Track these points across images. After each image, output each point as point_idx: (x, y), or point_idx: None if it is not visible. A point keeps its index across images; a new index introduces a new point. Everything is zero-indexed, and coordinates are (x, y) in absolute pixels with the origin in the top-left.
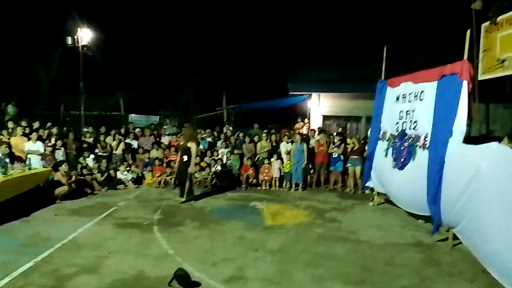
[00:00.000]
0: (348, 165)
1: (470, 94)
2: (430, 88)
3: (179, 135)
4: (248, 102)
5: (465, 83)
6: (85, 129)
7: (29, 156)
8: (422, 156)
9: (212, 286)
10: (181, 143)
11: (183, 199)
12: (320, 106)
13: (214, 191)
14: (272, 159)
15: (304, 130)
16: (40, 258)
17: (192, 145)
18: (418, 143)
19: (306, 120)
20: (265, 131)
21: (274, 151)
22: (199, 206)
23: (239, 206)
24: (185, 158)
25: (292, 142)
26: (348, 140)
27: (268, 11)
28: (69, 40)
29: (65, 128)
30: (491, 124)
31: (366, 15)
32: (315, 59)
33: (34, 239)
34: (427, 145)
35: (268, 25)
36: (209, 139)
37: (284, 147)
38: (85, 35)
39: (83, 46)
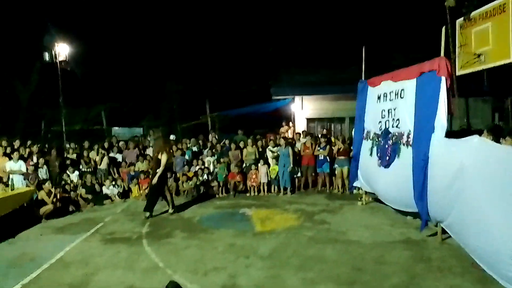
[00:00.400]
0: (335, 166)
1: (449, 90)
2: (410, 86)
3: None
4: (232, 109)
5: (443, 79)
6: (67, 145)
7: (11, 176)
8: (406, 154)
9: None
10: (154, 155)
11: (147, 213)
12: (303, 109)
13: (202, 200)
14: (259, 165)
15: (289, 134)
16: (27, 280)
17: (162, 157)
18: (401, 141)
19: (290, 124)
20: (251, 137)
21: (260, 156)
22: (187, 216)
23: (228, 213)
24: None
25: (277, 146)
26: (333, 139)
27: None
28: (46, 56)
29: (46, 145)
30: (472, 118)
31: (345, 17)
32: (296, 62)
33: (21, 260)
34: (410, 142)
35: (249, 29)
36: (194, 148)
37: (270, 152)
38: (62, 50)
39: (61, 61)
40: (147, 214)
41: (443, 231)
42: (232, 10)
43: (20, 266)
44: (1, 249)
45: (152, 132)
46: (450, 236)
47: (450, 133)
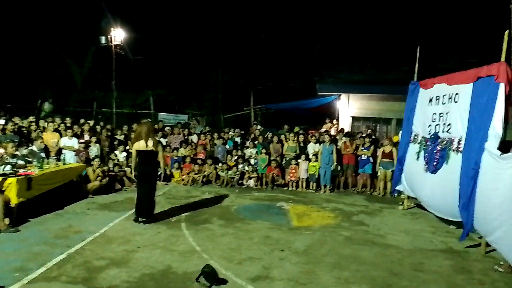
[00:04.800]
0: (380, 168)
1: (507, 98)
2: (465, 90)
3: (206, 134)
4: (275, 103)
5: (502, 85)
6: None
7: (63, 151)
8: (455, 160)
9: (239, 284)
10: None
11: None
12: (349, 107)
13: (240, 190)
14: (299, 160)
15: (332, 131)
16: (72, 250)
17: (159, 148)
18: (451, 147)
19: (334, 121)
20: (293, 131)
21: (301, 152)
22: (225, 204)
23: (265, 206)
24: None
25: (319, 143)
26: (385, 141)
27: (298, 11)
28: (102, 40)
29: (97, 126)
30: None
31: (398, 16)
32: (344, 60)
33: (67, 232)
34: (460, 149)
35: (297, 25)
36: (237, 139)
37: (311, 148)
38: (118, 35)
39: (116, 45)
40: (147, 219)
41: (487, 244)
42: (282, 5)
43: (66, 238)
44: (49, 220)
45: (198, 120)
46: (493, 250)
47: (504, 143)
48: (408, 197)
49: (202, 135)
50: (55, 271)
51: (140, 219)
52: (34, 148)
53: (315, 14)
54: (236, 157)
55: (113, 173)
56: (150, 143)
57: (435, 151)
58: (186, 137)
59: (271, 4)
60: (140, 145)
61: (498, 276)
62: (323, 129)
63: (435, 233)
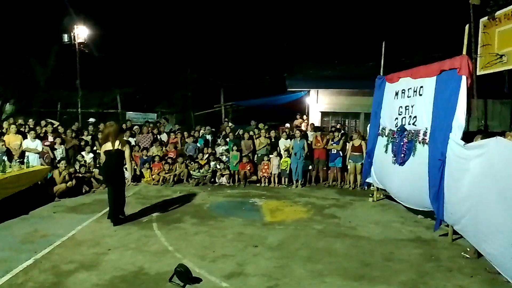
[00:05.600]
0: (350, 161)
1: (469, 90)
2: (429, 83)
3: (177, 132)
4: (246, 99)
5: (464, 78)
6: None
7: (27, 154)
8: (422, 152)
9: (213, 282)
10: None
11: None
12: (318, 102)
13: (212, 188)
14: (271, 156)
15: (303, 127)
16: (39, 255)
17: (126, 149)
18: (417, 139)
19: (304, 117)
20: (264, 127)
21: (273, 147)
22: (197, 203)
23: (238, 202)
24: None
25: (290, 138)
26: (354, 135)
27: (267, 7)
28: (65, 37)
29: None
30: (489, 120)
31: (364, 12)
32: (313, 56)
33: (33, 237)
34: (426, 141)
35: (266, 22)
36: (208, 136)
37: (282, 143)
38: (81, 32)
39: (79, 43)
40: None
41: (454, 232)
42: (250, 2)
43: (33, 242)
44: (15, 225)
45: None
46: (460, 237)
47: (467, 134)
48: (378, 189)
49: (172, 134)
50: (21, 277)
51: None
52: None
53: (283, 10)
54: (207, 155)
55: (80, 175)
56: (117, 143)
57: (402, 143)
58: (155, 136)
59: (240, 1)
60: (107, 146)
61: (465, 262)
62: (287, 125)
63: (404, 223)
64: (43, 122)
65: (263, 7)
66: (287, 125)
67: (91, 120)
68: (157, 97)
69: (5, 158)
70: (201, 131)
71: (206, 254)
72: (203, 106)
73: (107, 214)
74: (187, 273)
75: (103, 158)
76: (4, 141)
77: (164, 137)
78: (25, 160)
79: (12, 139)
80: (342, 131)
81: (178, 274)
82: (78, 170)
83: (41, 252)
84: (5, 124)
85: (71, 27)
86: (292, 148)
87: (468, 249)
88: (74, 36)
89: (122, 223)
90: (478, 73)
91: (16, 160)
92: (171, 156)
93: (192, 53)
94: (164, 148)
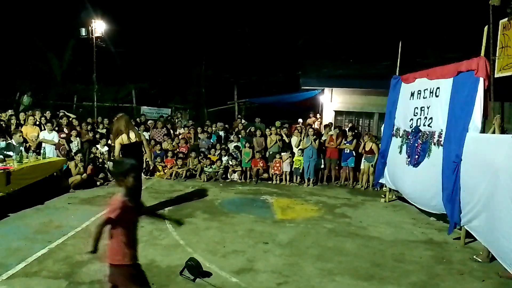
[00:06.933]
0: (363, 161)
1: (486, 92)
2: (445, 85)
3: (190, 127)
4: (259, 97)
5: (481, 80)
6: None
7: (43, 145)
8: (436, 154)
9: (223, 277)
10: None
11: None
12: (332, 101)
13: (224, 184)
14: (283, 154)
15: (316, 125)
16: (53, 245)
17: (145, 141)
18: (432, 140)
19: (318, 116)
20: (275, 125)
21: (285, 145)
22: (209, 198)
23: (249, 199)
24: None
25: (303, 137)
26: (365, 138)
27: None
28: (83, 32)
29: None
30: (506, 123)
31: (380, 11)
32: (328, 54)
33: (47, 227)
34: (441, 142)
35: (281, 19)
36: (221, 133)
37: (295, 141)
38: (99, 27)
39: (96, 37)
40: None
41: (467, 235)
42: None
43: (47, 232)
44: (30, 215)
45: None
46: (473, 240)
47: None
48: (390, 190)
49: (186, 128)
50: (36, 266)
51: None
52: (13, 142)
53: (298, 8)
54: (219, 151)
55: (95, 168)
56: (132, 135)
57: (416, 144)
58: (169, 131)
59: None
60: (123, 139)
61: (477, 266)
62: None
63: (415, 224)
64: (60, 113)
65: (278, 5)
66: (300, 120)
67: (62, 112)
68: (171, 92)
69: (22, 149)
70: (214, 127)
71: (216, 249)
72: (216, 103)
73: None
74: (197, 267)
75: (117, 150)
76: (21, 132)
77: (180, 131)
78: (42, 152)
79: (29, 131)
80: (355, 131)
81: (189, 267)
82: (95, 162)
83: (55, 242)
84: (21, 116)
85: (88, 21)
86: (304, 147)
87: (481, 253)
88: (92, 31)
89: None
90: (495, 76)
91: (33, 151)
92: (183, 151)
93: (207, 49)
94: (175, 143)
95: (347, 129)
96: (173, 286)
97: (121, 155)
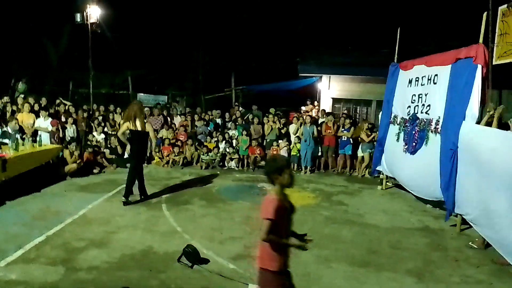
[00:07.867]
0: (361, 149)
1: (484, 79)
2: (444, 72)
3: (187, 115)
4: (257, 84)
5: (479, 67)
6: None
7: (39, 132)
8: (434, 141)
9: (220, 263)
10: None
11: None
12: (330, 89)
13: (221, 172)
14: (280, 141)
15: (313, 113)
16: (51, 232)
17: (148, 127)
18: (430, 128)
19: (315, 103)
20: (273, 112)
21: (282, 133)
22: (206, 186)
23: (246, 187)
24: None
25: (301, 124)
26: (363, 126)
27: None
28: (78, 17)
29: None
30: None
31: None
32: (326, 41)
33: (45, 214)
34: (439, 130)
35: (280, 6)
36: (218, 120)
37: (293, 129)
38: (94, 12)
39: (92, 23)
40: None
41: (463, 222)
42: None
43: (45, 219)
44: (27, 202)
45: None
46: (468, 227)
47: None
48: (387, 178)
49: (183, 116)
50: (34, 252)
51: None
52: (9, 129)
53: None
54: (215, 139)
55: (91, 155)
56: (138, 123)
57: (414, 132)
58: (166, 118)
59: None
60: (132, 125)
61: (472, 253)
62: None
63: (412, 212)
64: (57, 101)
65: None
66: (303, 108)
67: (59, 100)
68: (168, 79)
69: (18, 136)
70: (211, 115)
71: (214, 236)
72: (213, 90)
73: (117, 194)
74: (195, 254)
75: (123, 129)
76: (17, 119)
77: (176, 120)
78: (38, 139)
79: (25, 118)
80: (353, 118)
81: (186, 254)
82: (89, 150)
83: (53, 229)
84: (19, 100)
85: (83, 6)
86: (302, 134)
87: (476, 240)
88: (87, 16)
89: (133, 203)
90: (494, 63)
91: (28, 138)
92: (181, 139)
93: (204, 36)
94: (174, 132)
95: (344, 116)
96: (170, 273)
97: (127, 139)
